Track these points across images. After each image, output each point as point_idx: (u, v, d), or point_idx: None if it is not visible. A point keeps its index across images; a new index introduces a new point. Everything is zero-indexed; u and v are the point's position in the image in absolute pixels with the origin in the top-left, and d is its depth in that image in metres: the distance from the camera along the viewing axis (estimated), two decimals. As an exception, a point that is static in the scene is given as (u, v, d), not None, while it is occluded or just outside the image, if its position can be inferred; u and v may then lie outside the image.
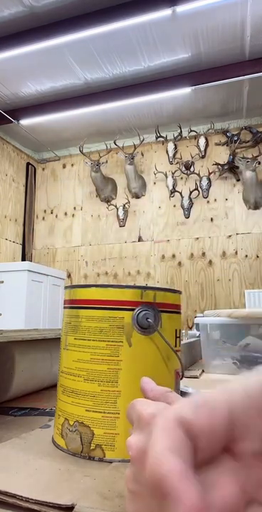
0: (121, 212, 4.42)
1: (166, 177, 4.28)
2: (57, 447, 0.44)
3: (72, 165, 4.85)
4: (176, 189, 4.26)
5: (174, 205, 4.29)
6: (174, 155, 4.31)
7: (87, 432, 0.41)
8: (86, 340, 0.43)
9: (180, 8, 2.66)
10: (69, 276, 4.57)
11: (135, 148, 4.16)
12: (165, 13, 2.69)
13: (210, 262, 4.08)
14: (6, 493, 0.32)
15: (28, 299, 3.46)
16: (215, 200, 4.17)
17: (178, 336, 0.48)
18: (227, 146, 4.14)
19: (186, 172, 4.22)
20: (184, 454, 0.18)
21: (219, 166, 4.11)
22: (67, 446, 0.42)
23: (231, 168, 4.07)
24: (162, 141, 4.36)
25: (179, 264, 4.19)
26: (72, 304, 0.46)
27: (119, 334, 0.43)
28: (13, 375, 0.65)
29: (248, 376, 0.21)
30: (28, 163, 4.83)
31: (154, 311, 0.44)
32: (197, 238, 4.17)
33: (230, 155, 4.05)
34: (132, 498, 0.21)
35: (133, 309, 0.43)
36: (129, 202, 4.44)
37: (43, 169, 4.99)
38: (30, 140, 4.56)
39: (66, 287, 0.49)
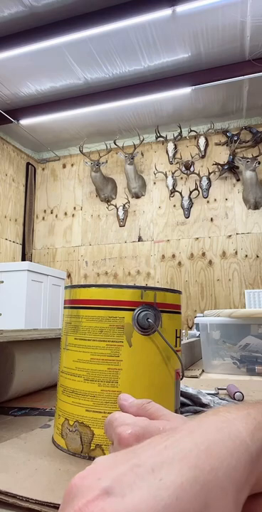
0: (121, 212, 4.42)
1: (166, 177, 4.28)
2: (57, 447, 0.44)
3: (72, 165, 4.85)
4: (176, 189, 4.26)
5: (174, 205, 4.29)
6: (174, 155, 4.31)
7: (87, 432, 0.41)
8: (86, 340, 0.43)
9: (180, 8, 2.65)
10: (69, 276, 4.57)
11: (135, 148, 4.16)
12: (165, 13, 2.69)
13: (210, 262, 4.08)
14: (6, 493, 0.32)
15: (28, 299, 3.46)
16: (215, 200, 4.17)
17: (178, 336, 0.48)
18: (227, 146, 4.14)
19: (186, 172, 4.22)
20: None
21: (219, 166, 4.11)
22: (68, 446, 0.42)
23: (231, 168, 4.07)
24: (162, 141, 4.36)
25: (179, 264, 4.19)
26: (73, 304, 0.46)
27: (119, 334, 0.42)
28: (13, 375, 0.65)
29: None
30: (28, 163, 4.83)
31: (154, 311, 0.44)
32: (197, 238, 4.17)
33: (230, 155, 4.05)
34: None
35: (133, 309, 0.43)
36: (129, 202, 4.44)
37: (43, 169, 4.99)
38: (30, 140, 4.56)
39: (66, 287, 0.49)
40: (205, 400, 0.61)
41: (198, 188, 4.18)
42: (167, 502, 0.17)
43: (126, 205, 4.43)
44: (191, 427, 0.22)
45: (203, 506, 0.18)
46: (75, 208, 4.74)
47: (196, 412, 0.59)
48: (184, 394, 0.61)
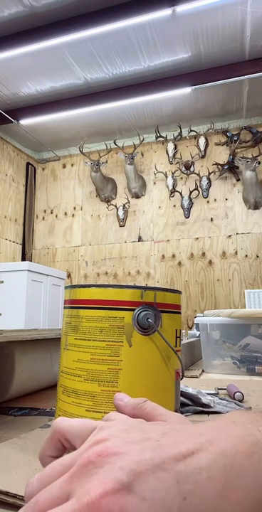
0: (121, 212, 4.42)
1: (166, 177, 4.28)
2: (57, 447, 0.44)
3: (72, 165, 4.85)
4: (176, 189, 4.26)
5: (174, 205, 4.29)
6: (174, 155, 4.31)
7: (87, 432, 0.41)
8: (86, 340, 0.43)
9: (180, 8, 2.66)
10: (69, 276, 4.57)
11: (135, 148, 4.16)
12: (165, 13, 2.69)
13: (210, 262, 4.09)
14: (6, 493, 0.32)
15: (28, 299, 3.46)
16: (215, 200, 4.17)
17: (178, 335, 0.48)
18: (227, 146, 4.14)
19: (186, 172, 4.22)
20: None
21: (219, 166, 4.11)
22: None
23: (231, 168, 4.07)
24: (162, 141, 4.36)
25: (179, 264, 4.19)
26: (73, 304, 0.46)
27: (119, 334, 0.42)
28: (13, 375, 0.65)
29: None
30: (28, 163, 4.83)
31: (154, 311, 0.44)
32: (197, 238, 4.17)
33: (230, 155, 4.05)
34: None
35: (133, 309, 0.43)
36: (129, 202, 4.44)
37: (43, 169, 5.00)
38: (30, 140, 4.56)
39: (66, 287, 0.49)
40: (205, 399, 0.61)
41: (198, 188, 4.18)
42: None
43: (126, 205, 4.43)
44: (221, 447, 0.20)
45: None
46: (75, 208, 4.74)
47: (196, 412, 0.59)
48: (184, 394, 0.61)
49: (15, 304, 3.42)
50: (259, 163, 3.73)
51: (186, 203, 4.18)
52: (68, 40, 2.95)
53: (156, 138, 4.26)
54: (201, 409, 0.60)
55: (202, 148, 4.22)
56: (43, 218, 4.87)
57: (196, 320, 1.25)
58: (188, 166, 4.19)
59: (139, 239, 4.38)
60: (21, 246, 4.63)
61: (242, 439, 0.21)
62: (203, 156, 4.24)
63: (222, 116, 4.13)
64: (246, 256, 3.98)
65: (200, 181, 4.17)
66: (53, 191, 4.88)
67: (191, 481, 0.18)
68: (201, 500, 0.18)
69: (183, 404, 0.59)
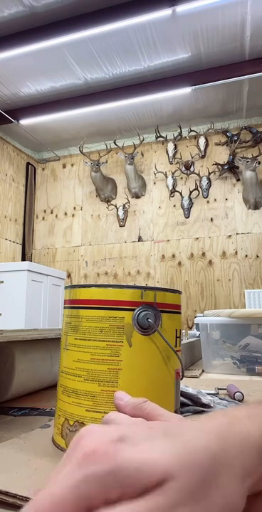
0: (121, 212, 4.42)
1: (166, 177, 4.28)
2: (57, 447, 0.44)
3: (72, 165, 4.85)
4: (176, 189, 4.26)
5: (174, 205, 4.29)
6: (174, 155, 4.31)
7: (87, 432, 0.41)
8: (86, 340, 0.43)
9: (180, 8, 2.65)
10: (69, 276, 4.57)
11: (135, 148, 4.16)
12: (165, 13, 2.69)
13: (210, 262, 4.08)
14: (6, 493, 0.32)
15: (28, 299, 3.46)
16: (215, 200, 4.17)
17: (178, 335, 0.48)
18: (227, 146, 4.14)
19: (186, 172, 4.22)
20: None
21: (219, 166, 4.11)
22: (68, 446, 0.42)
23: (231, 168, 4.07)
24: (162, 141, 4.36)
25: (179, 264, 4.19)
26: (73, 304, 0.46)
27: (119, 334, 0.43)
28: (13, 374, 0.65)
29: None
30: (28, 163, 4.83)
31: (154, 311, 0.44)
32: (197, 238, 4.17)
33: (230, 155, 4.05)
34: None
35: (133, 309, 0.43)
36: (129, 202, 4.44)
37: (43, 169, 4.99)
38: (30, 140, 4.56)
39: (66, 287, 0.49)
40: (205, 400, 0.61)
41: (198, 188, 4.18)
42: (181, 456, 0.20)
43: (126, 205, 4.43)
44: (201, 419, 0.24)
45: (213, 475, 0.20)
46: (75, 208, 4.74)
47: (196, 412, 0.59)
48: (184, 394, 0.61)
49: (15, 304, 3.41)
50: (259, 163, 3.73)
51: (186, 203, 4.18)
52: (68, 40, 2.95)
53: (156, 138, 4.26)
54: (201, 409, 0.60)
55: (202, 148, 4.22)
56: (43, 218, 4.87)
57: (196, 320, 1.25)
58: (188, 166, 4.19)
59: (139, 239, 4.38)
60: (21, 246, 4.63)
61: (224, 418, 0.24)
62: (203, 156, 4.23)
63: (222, 116, 4.13)
64: (246, 256, 3.98)
65: (200, 181, 4.17)
66: (53, 191, 4.88)
67: (178, 434, 0.21)
68: (188, 440, 0.21)
69: (183, 404, 0.59)
